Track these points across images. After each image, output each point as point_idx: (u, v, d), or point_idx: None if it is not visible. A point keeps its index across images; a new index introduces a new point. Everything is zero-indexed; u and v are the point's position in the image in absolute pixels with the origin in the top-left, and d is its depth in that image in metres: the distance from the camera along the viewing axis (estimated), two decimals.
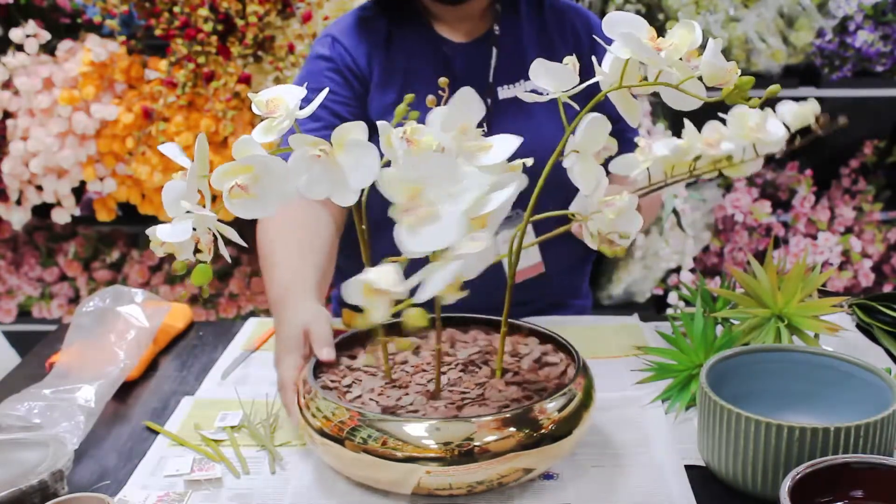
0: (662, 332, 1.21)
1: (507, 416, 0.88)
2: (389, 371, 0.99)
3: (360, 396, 0.95)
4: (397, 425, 0.88)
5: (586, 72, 1.42)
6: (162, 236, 0.82)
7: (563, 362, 1.02)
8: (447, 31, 1.41)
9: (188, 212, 0.83)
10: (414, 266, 0.78)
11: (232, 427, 1.08)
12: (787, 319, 1.13)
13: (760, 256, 1.37)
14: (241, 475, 0.99)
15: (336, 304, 1.62)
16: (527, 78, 1.41)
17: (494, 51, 1.39)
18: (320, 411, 0.92)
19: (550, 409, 0.90)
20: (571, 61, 0.91)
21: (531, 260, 1.44)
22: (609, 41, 0.86)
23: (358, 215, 0.95)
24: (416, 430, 0.87)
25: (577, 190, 1.34)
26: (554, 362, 1.02)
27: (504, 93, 1.41)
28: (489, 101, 1.39)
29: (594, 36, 1.40)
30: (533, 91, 1.44)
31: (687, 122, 1.09)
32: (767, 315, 1.15)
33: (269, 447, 1.03)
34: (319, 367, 1.01)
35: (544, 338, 1.07)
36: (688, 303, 1.49)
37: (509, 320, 1.08)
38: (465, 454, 0.86)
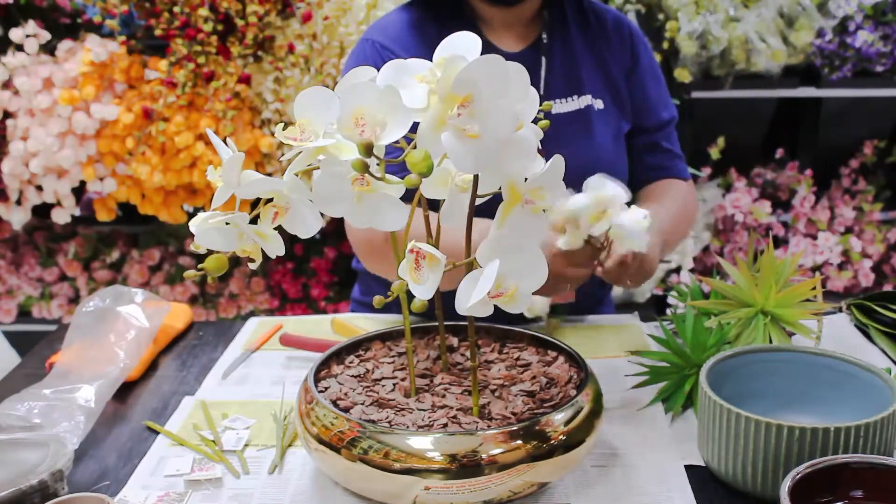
0: (654, 335, 1.21)
1: (515, 428, 0.86)
2: (414, 388, 0.97)
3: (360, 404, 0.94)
4: (401, 437, 0.86)
5: (637, 83, 1.41)
6: (202, 242, 0.81)
7: (569, 371, 1.00)
8: (497, 38, 1.39)
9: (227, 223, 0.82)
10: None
11: (247, 427, 1.08)
12: (770, 314, 1.13)
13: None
14: (241, 475, 0.99)
15: (354, 304, 1.62)
16: (581, 93, 1.38)
17: (543, 60, 1.37)
18: (319, 420, 0.90)
19: (558, 421, 0.88)
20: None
21: None
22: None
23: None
24: (421, 442, 0.85)
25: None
26: (561, 372, 1.00)
27: (560, 107, 1.37)
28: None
29: (637, 45, 1.43)
30: (588, 107, 1.39)
31: None
32: (752, 313, 1.14)
33: (282, 446, 1.03)
34: (320, 373, 1.01)
35: (549, 346, 1.06)
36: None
37: (516, 329, 1.08)
38: (471, 467, 0.84)
